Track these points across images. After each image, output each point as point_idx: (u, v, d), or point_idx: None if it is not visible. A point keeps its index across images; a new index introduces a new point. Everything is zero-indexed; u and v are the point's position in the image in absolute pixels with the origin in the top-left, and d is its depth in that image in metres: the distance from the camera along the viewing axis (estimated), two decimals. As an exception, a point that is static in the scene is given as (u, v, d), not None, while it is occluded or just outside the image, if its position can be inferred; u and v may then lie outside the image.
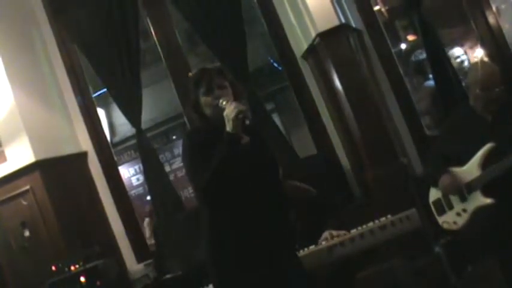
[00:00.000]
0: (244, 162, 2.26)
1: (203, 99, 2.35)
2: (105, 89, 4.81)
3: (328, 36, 3.89)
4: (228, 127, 2.20)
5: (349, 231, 2.83)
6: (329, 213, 3.03)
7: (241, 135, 2.23)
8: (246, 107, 2.25)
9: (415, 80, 5.51)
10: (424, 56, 5.54)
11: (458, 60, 5.04)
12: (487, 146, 2.93)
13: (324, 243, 2.78)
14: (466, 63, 5.17)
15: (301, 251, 2.77)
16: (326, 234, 2.87)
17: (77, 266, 3.62)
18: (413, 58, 5.81)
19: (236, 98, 2.36)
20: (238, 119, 2.18)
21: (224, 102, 2.25)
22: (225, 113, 2.22)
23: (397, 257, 3.34)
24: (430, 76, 5.33)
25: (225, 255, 2.28)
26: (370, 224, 2.79)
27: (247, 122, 2.20)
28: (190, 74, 2.50)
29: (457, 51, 5.09)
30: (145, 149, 4.48)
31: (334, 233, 2.83)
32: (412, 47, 6.01)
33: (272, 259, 2.26)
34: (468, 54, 5.43)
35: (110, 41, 4.36)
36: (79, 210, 4.12)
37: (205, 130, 2.34)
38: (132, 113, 4.41)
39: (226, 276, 2.30)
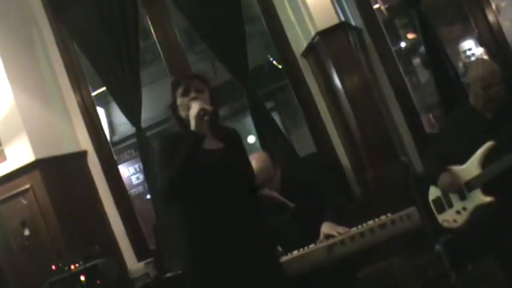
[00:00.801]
0: (216, 167, 2.31)
1: (180, 100, 2.41)
2: (104, 88, 4.80)
3: (328, 35, 3.88)
4: (192, 125, 2.26)
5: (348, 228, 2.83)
6: (329, 212, 3.03)
7: (204, 134, 2.28)
8: (211, 107, 2.31)
9: (428, 73, 5.45)
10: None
11: (469, 53, 4.98)
12: (487, 145, 2.93)
13: (324, 241, 2.78)
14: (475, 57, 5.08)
15: (300, 250, 2.78)
16: (325, 228, 2.85)
17: (77, 265, 3.61)
18: (421, 50, 5.77)
19: (213, 104, 2.40)
20: (200, 116, 2.25)
21: (193, 104, 2.30)
22: (189, 112, 2.29)
23: (397, 256, 3.34)
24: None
25: (200, 257, 2.32)
26: (370, 223, 2.79)
27: (206, 118, 2.27)
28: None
29: (467, 44, 5.02)
30: (145, 148, 4.47)
31: (340, 229, 2.81)
32: (412, 45, 6.00)
33: (245, 261, 2.29)
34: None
35: (110, 39, 4.35)
36: (79, 209, 4.12)
37: (178, 135, 2.37)
38: (132, 112, 4.40)
39: (202, 276, 2.33)
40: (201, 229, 2.31)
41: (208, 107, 2.29)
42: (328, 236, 2.81)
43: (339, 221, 2.90)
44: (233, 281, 2.29)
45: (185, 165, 2.22)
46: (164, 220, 4.23)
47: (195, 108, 2.27)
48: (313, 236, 2.84)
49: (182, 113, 2.40)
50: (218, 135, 2.45)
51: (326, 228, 2.85)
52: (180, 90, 2.41)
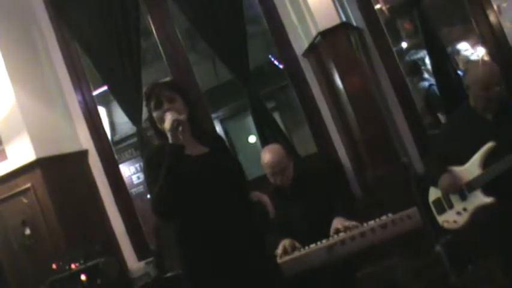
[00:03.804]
0: (205, 171, 2.30)
1: (155, 114, 2.38)
2: (105, 87, 4.80)
3: (329, 35, 3.88)
4: (169, 139, 2.25)
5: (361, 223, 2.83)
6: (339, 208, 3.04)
7: (183, 145, 2.25)
8: (182, 116, 2.29)
9: (415, 80, 5.47)
10: (418, 56, 5.53)
11: (467, 53, 4.98)
12: (487, 145, 2.93)
13: (335, 236, 2.78)
14: (473, 57, 5.07)
15: (301, 250, 2.78)
16: (335, 223, 2.86)
17: (78, 264, 3.62)
18: (407, 58, 5.78)
19: (189, 107, 2.39)
20: (174, 129, 2.23)
21: (167, 117, 2.28)
22: (164, 125, 2.27)
23: (398, 256, 3.35)
24: (424, 77, 5.33)
25: (197, 267, 2.31)
26: (371, 223, 2.79)
27: (180, 128, 2.24)
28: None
29: (463, 46, 5.04)
30: (145, 148, 4.47)
31: (348, 223, 2.82)
32: (414, 45, 5.98)
33: (242, 265, 2.28)
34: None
35: (111, 39, 4.36)
36: (80, 209, 4.12)
37: (162, 146, 2.35)
38: (133, 111, 4.41)
39: (200, 283, 2.32)
40: (197, 235, 2.30)
41: (182, 117, 2.28)
42: (337, 231, 2.81)
43: (347, 210, 2.93)
44: (230, 283, 2.29)
45: (169, 179, 2.21)
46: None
47: (168, 121, 2.25)
48: (320, 237, 2.84)
49: (159, 125, 2.37)
50: (202, 139, 2.44)
51: (336, 223, 2.88)
52: (152, 104, 2.38)
